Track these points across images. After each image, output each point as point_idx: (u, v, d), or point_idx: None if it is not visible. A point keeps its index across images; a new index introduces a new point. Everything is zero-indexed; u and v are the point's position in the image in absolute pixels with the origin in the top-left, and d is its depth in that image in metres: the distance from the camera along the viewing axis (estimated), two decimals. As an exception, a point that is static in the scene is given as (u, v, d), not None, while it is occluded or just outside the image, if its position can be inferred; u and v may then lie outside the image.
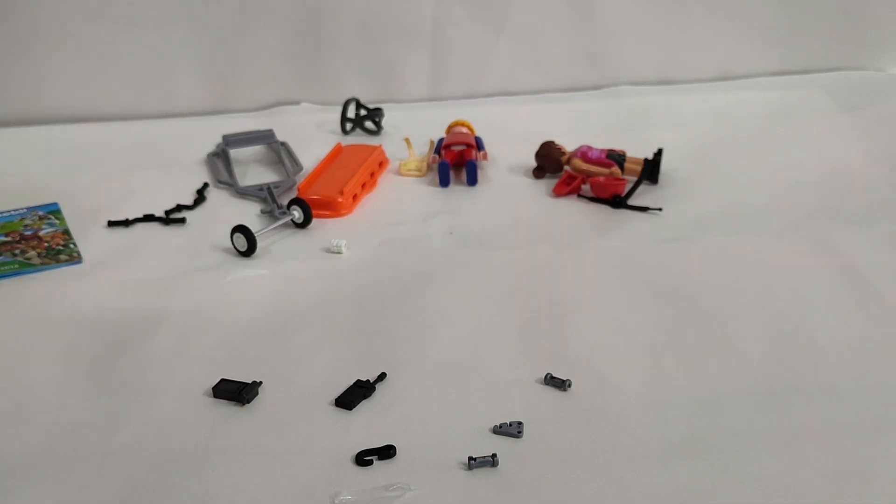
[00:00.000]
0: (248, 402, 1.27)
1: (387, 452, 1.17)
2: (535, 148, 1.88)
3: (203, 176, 1.93)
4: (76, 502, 1.14)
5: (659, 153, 1.78)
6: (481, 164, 1.88)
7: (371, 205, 1.82)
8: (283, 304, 1.50)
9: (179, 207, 1.80)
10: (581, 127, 2.03)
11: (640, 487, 1.11)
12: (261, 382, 1.30)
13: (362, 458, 1.16)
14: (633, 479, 1.12)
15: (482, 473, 1.14)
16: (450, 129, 1.94)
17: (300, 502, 1.12)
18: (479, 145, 1.91)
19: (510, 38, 2.23)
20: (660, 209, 1.70)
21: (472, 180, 1.85)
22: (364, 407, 1.26)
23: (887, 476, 1.12)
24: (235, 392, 1.28)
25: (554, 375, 1.27)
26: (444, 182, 1.85)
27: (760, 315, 1.40)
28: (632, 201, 1.72)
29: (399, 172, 1.92)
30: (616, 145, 1.86)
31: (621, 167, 1.74)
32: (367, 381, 1.29)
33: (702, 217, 1.69)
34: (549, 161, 1.84)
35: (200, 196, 1.84)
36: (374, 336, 1.41)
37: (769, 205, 1.72)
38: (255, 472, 1.17)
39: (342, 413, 1.25)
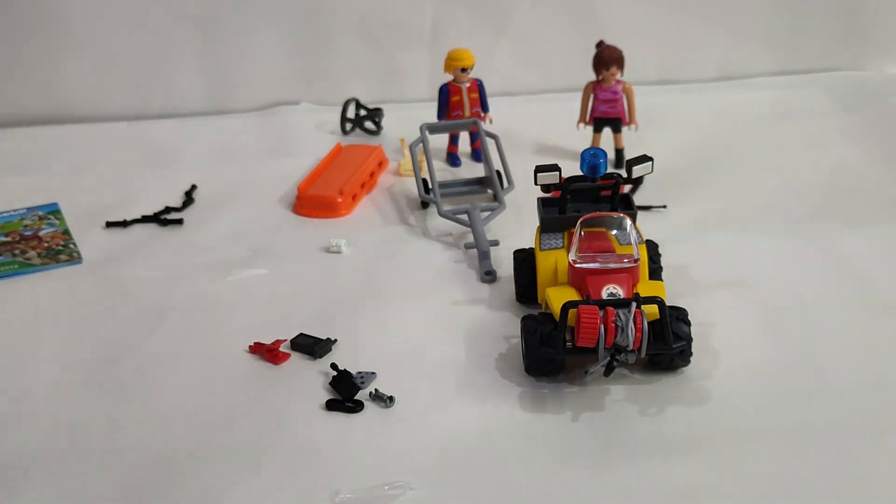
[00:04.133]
0: (321, 356, 1.35)
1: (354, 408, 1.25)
2: (536, 148, 1.88)
3: (199, 176, 1.92)
4: (76, 502, 1.14)
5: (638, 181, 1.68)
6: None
7: (371, 204, 1.82)
8: (283, 303, 1.50)
9: (168, 209, 1.80)
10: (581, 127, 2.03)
11: (640, 486, 1.11)
12: (335, 340, 1.37)
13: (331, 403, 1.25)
14: (632, 477, 1.12)
15: (482, 473, 1.14)
16: (450, 64, 1.90)
17: (300, 501, 1.12)
18: (483, 105, 1.91)
19: (510, 39, 2.23)
20: (664, 206, 1.71)
21: (479, 157, 1.93)
22: (365, 405, 1.26)
23: (887, 476, 1.12)
24: (310, 346, 1.36)
25: (379, 391, 1.27)
26: (455, 163, 1.95)
27: (760, 314, 1.40)
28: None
29: (398, 173, 1.92)
30: (616, 145, 1.86)
31: (617, 186, 1.67)
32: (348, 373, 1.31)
33: (702, 217, 1.69)
34: None
35: (189, 198, 1.84)
36: (374, 335, 1.41)
37: (769, 204, 1.72)
38: (255, 471, 1.17)
39: (342, 412, 1.26)
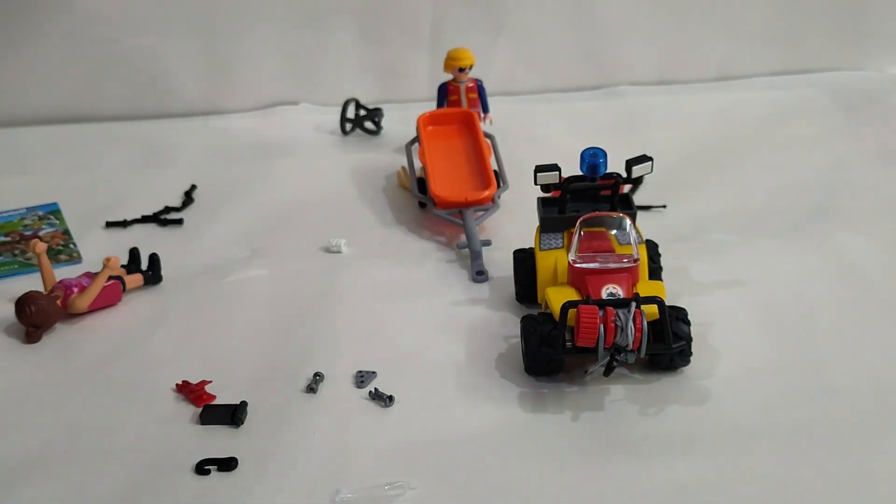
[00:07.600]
0: (242, 422, 1.24)
1: (227, 464, 1.17)
2: (536, 149, 1.87)
3: (199, 176, 1.92)
4: (76, 502, 1.14)
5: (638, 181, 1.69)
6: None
7: (371, 204, 1.81)
8: (283, 303, 1.50)
9: (167, 209, 1.80)
10: (581, 127, 2.03)
11: (640, 485, 1.11)
12: (246, 403, 1.26)
13: (202, 467, 1.16)
14: (632, 476, 1.12)
15: (482, 473, 1.14)
16: (450, 64, 1.89)
17: (300, 501, 1.12)
18: (483, 105, 1.91)
19: (510, 38, 2.23)
20: (664, 206, 1.70)
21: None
22: (363, 405, 1.26)
23: (887, 476, 1.11)
24: (228, 416, 1.24)
25: (378, 391, 1.27)
26: None
27: (760, 314, 1.40)
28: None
29: (399, 185, 1.90)
30: (616, 145, 1.84)
31: (617, 186, 1.67)
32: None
33: (702, 217, 1.69)
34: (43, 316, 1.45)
35: (188, 198, 1.84)
36: (374, 335, 1.41)
37: (769, 204, 1.72)
38: (256, 471, 1.17)
39: (342, 411, 1.26)
